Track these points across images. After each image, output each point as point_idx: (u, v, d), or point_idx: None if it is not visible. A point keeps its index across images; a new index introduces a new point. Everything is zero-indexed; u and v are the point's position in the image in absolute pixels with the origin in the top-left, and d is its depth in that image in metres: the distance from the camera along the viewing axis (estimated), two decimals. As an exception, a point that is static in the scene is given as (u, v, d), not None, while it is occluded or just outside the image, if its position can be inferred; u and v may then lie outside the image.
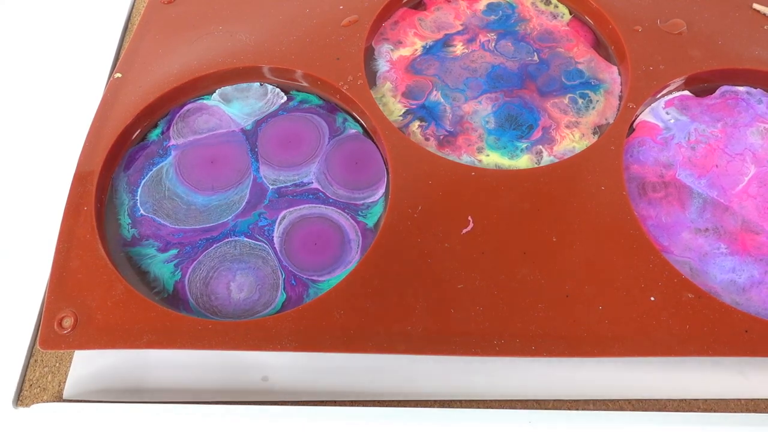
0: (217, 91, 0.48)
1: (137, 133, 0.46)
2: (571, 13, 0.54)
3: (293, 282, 0.40)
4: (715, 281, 0.40)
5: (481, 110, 0.48)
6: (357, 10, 0.52)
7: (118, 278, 0.39)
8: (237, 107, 0.48)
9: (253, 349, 0.37)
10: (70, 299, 0.38)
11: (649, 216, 0.43)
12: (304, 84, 0.49)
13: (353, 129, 0.46)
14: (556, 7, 0.55)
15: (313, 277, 0.40)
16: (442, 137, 0.46)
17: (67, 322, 0.37)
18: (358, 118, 0.47)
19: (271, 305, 0.40)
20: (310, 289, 0.40)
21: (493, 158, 0.45)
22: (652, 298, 0.39)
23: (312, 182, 0.44)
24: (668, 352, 0.37)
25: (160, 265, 0.41)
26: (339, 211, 0.43)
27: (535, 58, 0.51)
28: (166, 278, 0.40)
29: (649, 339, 0.38)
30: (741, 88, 0.48)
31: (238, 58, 0.49)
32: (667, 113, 0.47)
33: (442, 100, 0.48)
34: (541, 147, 0.46)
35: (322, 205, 0.43)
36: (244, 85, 0.49)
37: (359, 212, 0.42)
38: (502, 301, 0.39)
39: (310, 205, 0.43)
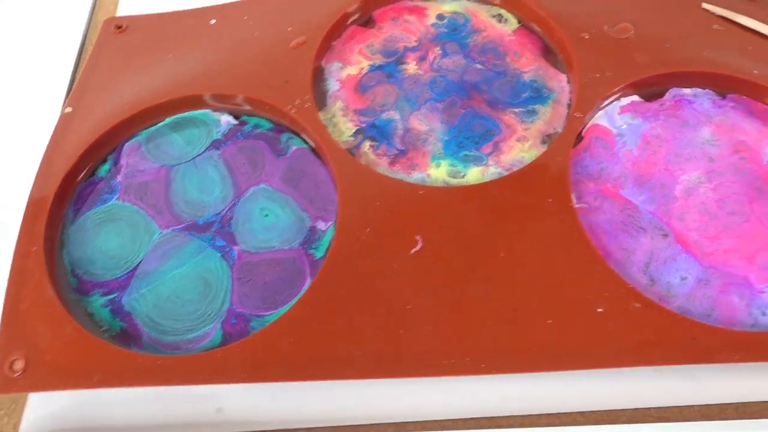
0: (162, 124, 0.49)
1: (87, 168, 0.46)
2: (519, 22, 0.54)
3: (234, 321, 0.40)
4: (663, 286, 0.40)
5: (432, 125, 0.48)
6: (305, 31, 0.52)
7: (68, 318, 0.39)
8: (183, 139, 0.48)
9: (202, 383, 0.37)
10: (21, 341, 0.39)
11: (596, 225, 0.43)
12: (254, 109, 0.49)
13: (295, 146, 0.46)
14: (503, 16, 0.55)
15: (259, 312, 0.40)
16: (393, 156, 0.46)
17: (18, 365, 0.38)
18: (309, 141, 0.47)
19: (206, 339, 0.40)
20: (252, 322, 0.40)
21: (442, 171, 0.45)
22: (600, 310, 0.39)
23: (256, 210, 0.44)
24: (617, 363, 0.38)
25: (99, 309, 0.41)
26: (289, 242, 0.43)
27: (484, 69, 0.51)
28: (108, 320, 0.40)
29: (598, 351, 0.38)
30: (688, 90, 0.49)
31: (185, 86, 0.49)
32: (621, 118, 0.47)
33: (392, 117, 0.48)
34: (490, 158, 0.46)
35: (271, 238, 0.43)
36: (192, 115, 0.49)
37: (312, 245, 0.42)
38: (452, 320, 0.39)
39: (257, 236, 0.43)
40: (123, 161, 0.46)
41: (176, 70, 0.50)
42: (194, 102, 0.49)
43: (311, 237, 0.43)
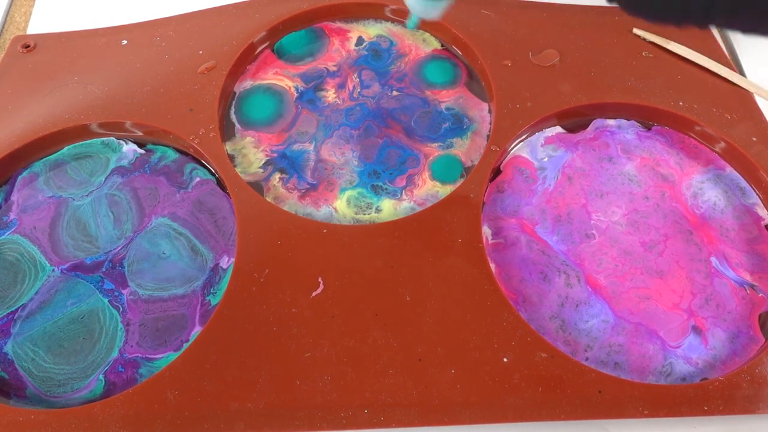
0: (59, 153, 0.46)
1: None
2: (442, 45, 0.52)
3: (121, 369, 0.38)
4: (574, 332, 0.38)
5: (346, 155, 0.46)
6: (216, 55, 0.49)
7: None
8: (83, 169, 0.45)
9: (77, 441, 0.35)
10: None
11: (511, 263, 0.41)
12: (158, 138, 0.46)
13: (199, 177, 0.44)
14: (427, 40, 0.53)
15: (149, 355, 0.38)
16: (304, 190, 0.44)
17: None
18: (215, 172, 0.45)
19: (86, 389, 0.37)
20: (142, 368, 0.37)
21: (350, 205, 0.43)
22: (505, 359, 0.37)
23: (154, 247, 0.42)
24: (520, 418, 0.36)
25: None
26: (189, 282, 0.40)
27: (402, 95, 0.49)
28: None
29: (501, 404, 0.36)
30: (612, 122, 0.47)
31: (85, 113, 0.46)
32: (543, 150, 0.45)
33: (305, 147, 0.46)
34: (404, 192, 0.44)
35: (168, 278, 0.40)
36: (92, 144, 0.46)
37: (212, 289, 0.40)
38: (351, 369, 0.37)
39: (153, 278, 0.41)
40: (14, 197, 0.44)
41: (78, 95, 0.48)
42: (88, 132, 0.46)
43: (212, 278, 0.40)
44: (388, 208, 0.43)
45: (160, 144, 0.46)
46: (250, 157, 0.46)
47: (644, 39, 0.52)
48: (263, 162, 0.45)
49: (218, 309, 0.38)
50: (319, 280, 0.39)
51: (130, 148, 0.46)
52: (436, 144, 0.46)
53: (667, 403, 0.35)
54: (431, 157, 0.45)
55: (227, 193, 0.43)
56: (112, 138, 0.47)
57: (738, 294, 0.39)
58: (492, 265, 0.40)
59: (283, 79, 0.50)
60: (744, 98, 0.48)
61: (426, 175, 0.45)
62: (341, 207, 0.43)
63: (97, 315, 0.39)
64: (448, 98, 0.49)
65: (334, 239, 0.41)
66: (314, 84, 0.50)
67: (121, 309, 0.39)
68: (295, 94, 0.48)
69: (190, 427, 0.35)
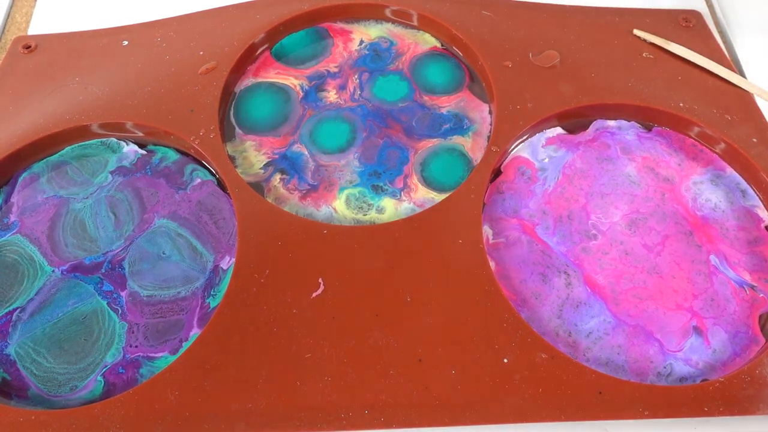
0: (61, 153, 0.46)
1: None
2: (442, 45, 0.52)
3: (121, 370, 0.38)
4: (574, 333, 0.38)
5: (346, 156, 0.46)
6: (216, 55, 0.49)
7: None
8: (85, 169, 0.45)
9: (78, 441, 0.35)
10: None
11: (511, 264, 0.41)
12: (159, 139, 0.46)
13: (200, 178, 0.44)
14: (427, 41, 0.53)
15: (149, 354, 0.38)
16: (304, 191, 0.44)
17: None
18: (215, 173, 0.45)
19: (85, 390, 0.37)
20: (143, 368, 0.37)
21: (349, 205, 0.43)
22: (505, 360, 0.37)
23: (155, 248, 0.42)
24: (520, 419, 0.36)
25: None
26: (190, 282, 0.40)
27: (404, 97, 0.49)
28: None
29: (501, 405, 0.36)
30: (612, 123, 0.47)
31: (86, 114, 0.46)
32: (544, 151, 0.45)
33: (304, 150, 0.46)
34: (403, 194, 0.44)
35: (169, 279, 0.40)
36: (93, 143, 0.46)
37: (212, 291, 0.40)
38: (352, 369, 0.37)
39: (153, 279, 0.41)
40: (14, 198, 0.44)
41: (79, 96, 0.48)
42: (88, 132, 0.46)
43: (212, 279, 0.40)
44: (390, 209, 0.43)
45: (161, 145, 0.46)
46: (252, 158, 0.46)
47: (644, 40, 0.52)
48: (264, 163, 0.46)
49: (218, 309, 0.38)
50: (320, 280, 0.39)
51: (131, 149, 0.46)
52: (436, 140, 0.46)
53: (667, 403, 0.35)
54: (428, 156, 0.45)
55: (228, 194, 0.43)
56: (112, 139, 0.47)
57: (738, 295, 0.39)
58: (492, 264, 0.40)
59: (288, 77, 0.50)
60: (744, 99, 0.48)
61: (417, 177, 0.45)
62: (341, 207, 0.43)
63: (96, 316, 0.39)
64: (449, 102, 0.48)
65: (334, 240, 0.41)
66: (315, 84, 0.50)
67: (120, 311, 0.39)
68: (301, 94, 0.48)
69: (191, 427, 0.35)
